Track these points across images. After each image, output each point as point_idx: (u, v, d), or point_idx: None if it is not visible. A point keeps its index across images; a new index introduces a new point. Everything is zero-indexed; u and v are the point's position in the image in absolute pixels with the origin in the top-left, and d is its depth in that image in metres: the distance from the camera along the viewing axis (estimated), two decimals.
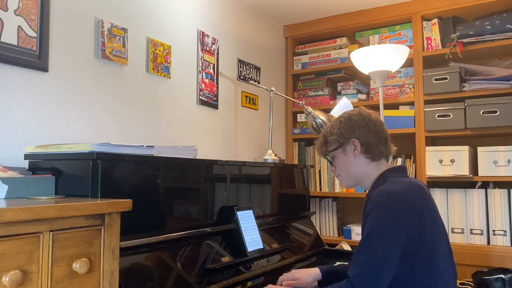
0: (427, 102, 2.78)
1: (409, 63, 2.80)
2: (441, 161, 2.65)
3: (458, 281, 2.11)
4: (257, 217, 1.94)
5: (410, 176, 1.61)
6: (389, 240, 1.31)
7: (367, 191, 1.55)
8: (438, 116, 2.70)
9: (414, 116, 2.81)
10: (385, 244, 1.31)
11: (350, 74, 3.24)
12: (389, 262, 1.30)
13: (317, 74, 3.29)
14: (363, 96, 3.12)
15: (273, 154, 2.53)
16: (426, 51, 2.83)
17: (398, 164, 1.64)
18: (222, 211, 1.83)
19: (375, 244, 1.32)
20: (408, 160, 2.86)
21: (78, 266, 1.05)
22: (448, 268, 1.40)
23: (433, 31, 2.81)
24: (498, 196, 2.56)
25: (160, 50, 2.21)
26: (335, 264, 1.73)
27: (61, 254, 1.03)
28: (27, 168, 1.49)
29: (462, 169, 2.61)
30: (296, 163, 3.26)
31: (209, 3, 2.60)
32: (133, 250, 1.38)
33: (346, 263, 1.73)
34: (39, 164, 1.48)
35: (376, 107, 2.89)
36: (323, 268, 1.68)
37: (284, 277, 1.67)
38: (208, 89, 2.53)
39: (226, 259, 1.70)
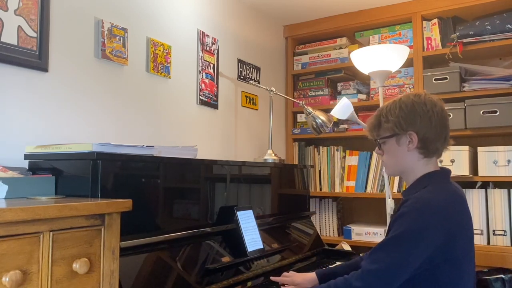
0: None
1: (409, 63, 2.80)
2: (441, 161, 2.65)
3: None
4: (257, 217, 1.94)
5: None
6: (413, 250, 1.27)
7: (405, 185, 1.51)
8: None
9: None
10: (407, 252, 1.28)
11: (350, 74, 3.24)
12: (405, 270, 1.28)
13: (317, 74, 3.29)
14: (363, 96, 3.12)
15: (273, 154, 2.53)
16: (426, 51, 2.83)
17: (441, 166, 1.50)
18: (222, 211, 1.83)
19: (398, 249, 1.29)
20: None
21: (78, 266, 1.05)
22: (471, 282, 1.38)
23: (433, 31, 2.81)
24: (498, 196, 2.56)
25: (160, 50, 2.21)
26: (333, 266, 1.71)
27: (61, 254, 1.03)
28: (27, 168, 1.49)
29: (462, 169, 2.61)
30: (296, 163, 3.26)
31: (209, 3, 2.60)
32: (133, 250, 1.38)
33: (344, 263, 1.72)
34: (39, 164, 1.48)
35: (376, 107, 2.89)
36: (319, 272, 1.65)
37: (283, 280, 1.66)
38: (208, 89, 2.53)
39: (226, 259, 1.70)
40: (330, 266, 1.77)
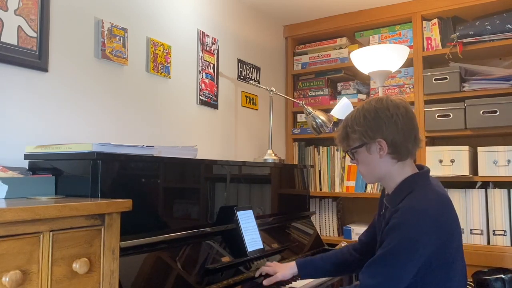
0: (427, 102, 2.78)
1: (409, 63, 2.80)
2: (441, 161, 2.65)
3: None
4: (257, 217, 1.94)
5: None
6: (409, 260, 1.28)
7: (387, 192, 1.49)
8: (438, 116, 2.70)
9: None
10: (404, 264, 1.29)
11: (350, 74, 3.24)
12: (403, 281, 1.30)
13: (317, 74, 3.29)
14: (363, 96, 3.12)
15: (273, 154, 2.53)
16: (426, 51, 2.83)
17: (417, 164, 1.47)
18: (222, 211, 1.83)
19: (395, 262, 1.30)
20: None
21: (78, 266, 1.05)
22: (462, 282, 1.39)
23: (433, 31, 2.81)
24: (498, 196, 2.56)
25: (160, 50, 2.21)
26: (312, 256, 1.76)
27: (61, 254, 1.03)
28: (27, 168, 1.49)
29: (462, 169, 2.61)
30: (296, 163, 3.26)
31: (209, 3, 2.60)
32: (133, 250, 1.39)
33: (324, 254, 1.75)
34: (39, 164, 1.48)
35: None
36: (299, 261, 1.71)
37: (265, 269, 1.74)
38: (208, 89, 2.53)
39: (226, 259, 1.70)
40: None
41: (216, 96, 2.60)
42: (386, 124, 1.39)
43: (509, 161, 2.51)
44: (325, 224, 3.16)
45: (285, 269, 1.69)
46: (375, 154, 1.42)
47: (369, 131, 1.40)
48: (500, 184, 2.62)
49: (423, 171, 1.46)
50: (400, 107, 1.41)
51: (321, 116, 2.60)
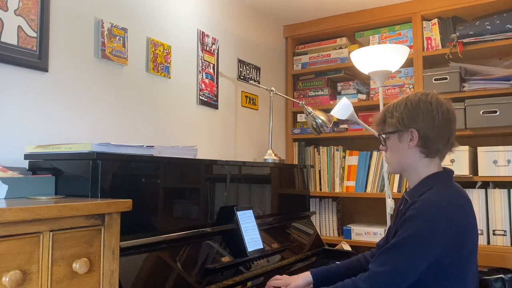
0: None
1: (409, 63, 2.80)
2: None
3: None
4: (257, 217, 1.94)
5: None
6: (421, 252, 1.28)
7: (408, 185, 1.49)
8: None
9: None
10: (416, 255, 1.29)
11: (350, 74, 3.24)
12: (412, 272, 1.29)
13: (317, 74, 3.29)
14: (363, 96, 3.12)
15: (273, 154, 2.53)
16: (426, 51, 2.83)
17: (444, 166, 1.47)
18: (222, 211, 1.83)
19: (406, 252, 1.30)
20: None
21: (78, 266, 1.05)
22: (475, 281, 1.38)
23: (433, 31, 2.81)
24: (498, 196, 2.56)
25: (160, 50, 2.21)
26: (327, 266, 1.70)
27: (61, 254, 1.03)
28: (27, 168, 1.49)
29: (462, 169, 2.61)
30: (296, 163, 3.26)
31: (209, 3, 2.60)
32: (133, 250, 1.38)
33: (338, 262, 1.70)
34: (39, 164, 1.48)
35: (376, 107, 2.89)
36: (314, 271, 1.64)
37: (275, 283, 1.64)
38: (208, 89, 2.53)
39: (226, 259, 1.70)
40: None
41: (216, 96, 2.60)
42: (423, 116, 1.40)
43: (509, 161, 2.51)
44: (325, 224, 3.16)
45: (298, 279, 1.62)
46: (405, 143, 1.43)
47: (405, 118, 1.42)
48: (500, 184, 2.62)
49: (447, 170, 1.47)
50: (443, 105, 1.42)
51: (321, 116, 2.60)
